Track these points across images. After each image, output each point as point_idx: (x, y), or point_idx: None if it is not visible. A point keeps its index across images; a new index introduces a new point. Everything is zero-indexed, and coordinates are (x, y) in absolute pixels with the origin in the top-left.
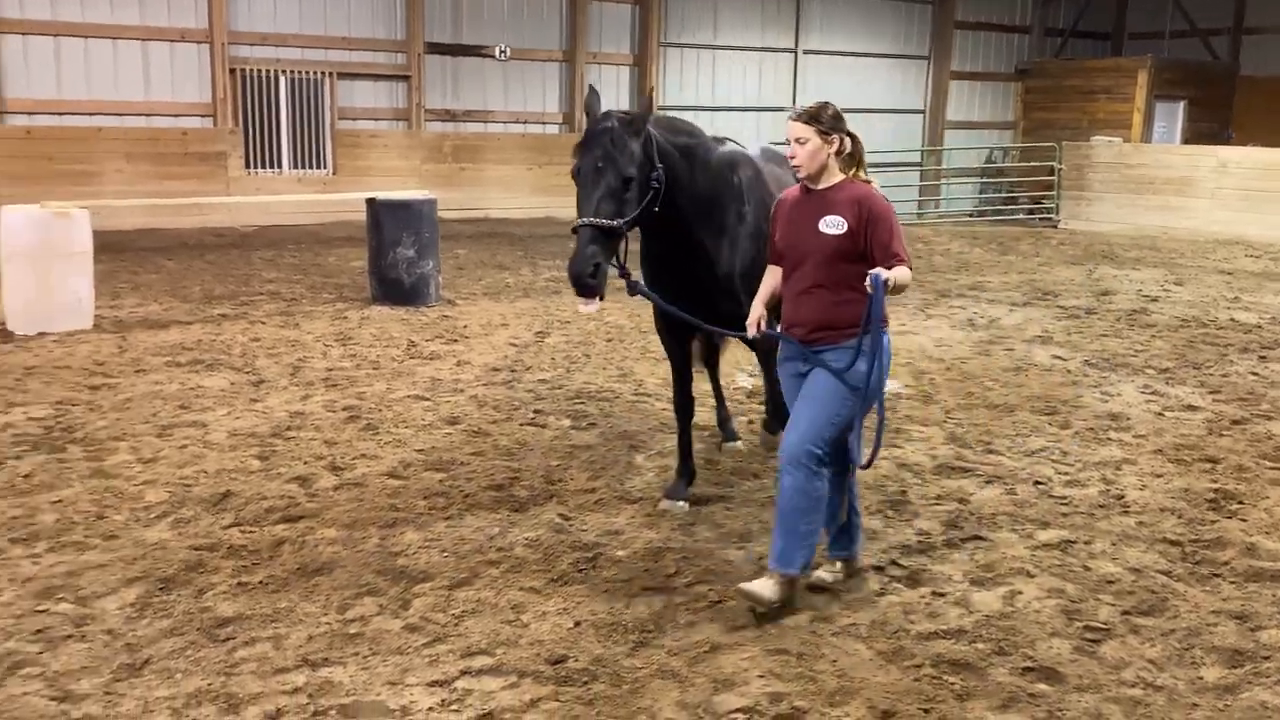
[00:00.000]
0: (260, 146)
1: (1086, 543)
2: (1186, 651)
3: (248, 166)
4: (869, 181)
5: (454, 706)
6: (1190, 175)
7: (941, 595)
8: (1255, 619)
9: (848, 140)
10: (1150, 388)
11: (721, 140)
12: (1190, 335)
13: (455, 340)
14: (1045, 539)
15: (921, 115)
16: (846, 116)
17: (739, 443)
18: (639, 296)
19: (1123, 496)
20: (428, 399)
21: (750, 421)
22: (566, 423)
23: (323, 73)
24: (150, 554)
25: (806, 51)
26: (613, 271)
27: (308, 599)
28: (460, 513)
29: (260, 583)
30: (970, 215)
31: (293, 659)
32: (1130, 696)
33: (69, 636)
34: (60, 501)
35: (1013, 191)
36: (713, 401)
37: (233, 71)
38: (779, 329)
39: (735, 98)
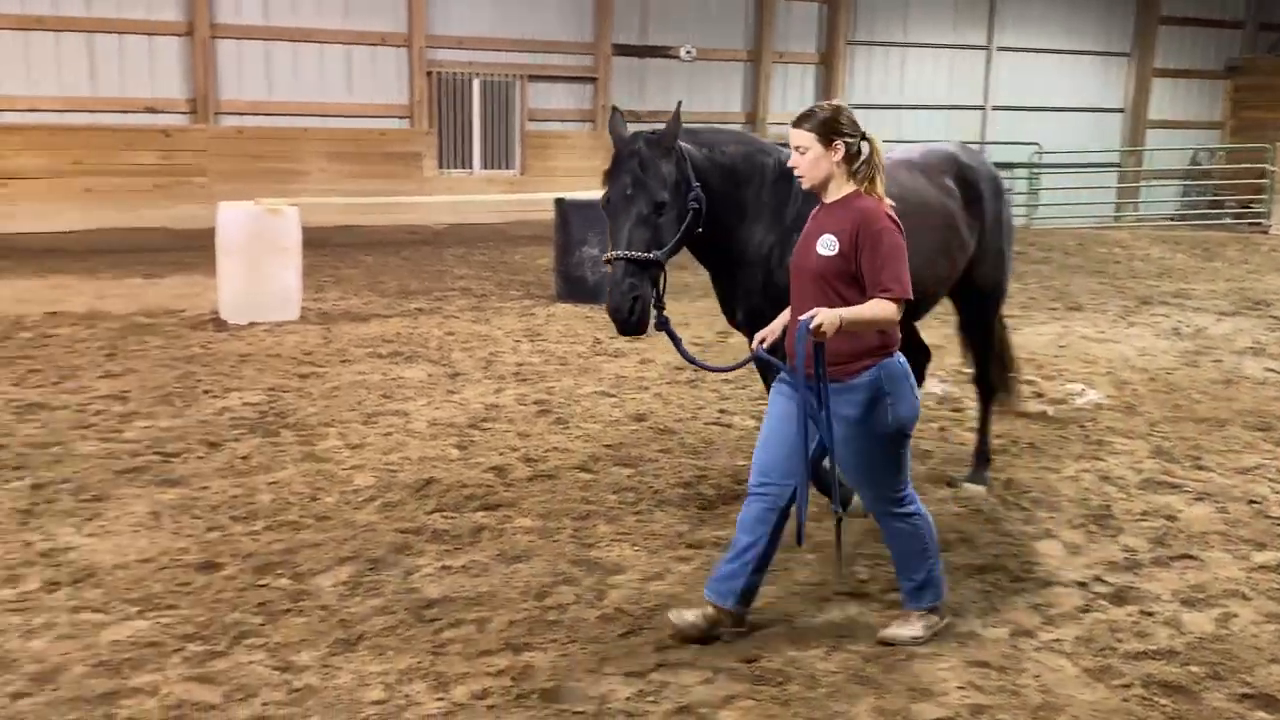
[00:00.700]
0: (452, 147)
1: None
2: None
3: (440, 167)
4: (881, 198)
5: (651, 698)
6: None
7: (1150, 615)
8: None
9: (859, 147)
10: None
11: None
12: None
13: (638, 338)
14: (1262, 560)
15: (1121, 114)
16: (1035, 115)
17: (980, 487)
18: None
19: None
20: (613, 395)
21: (941, 429)
22: (752, 424)
23: (514, 75)
24: (360, 535)
25: (1000, 49)
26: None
27: (508, 584)
28: (650, 508)
29: (463, 566)
30: (1171, 219)
31: (496, 642)
32: None
33: (287, 610)
34: (276, 483)
35: (1218, 195)
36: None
37: (429, 74)
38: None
39: (924, 96)
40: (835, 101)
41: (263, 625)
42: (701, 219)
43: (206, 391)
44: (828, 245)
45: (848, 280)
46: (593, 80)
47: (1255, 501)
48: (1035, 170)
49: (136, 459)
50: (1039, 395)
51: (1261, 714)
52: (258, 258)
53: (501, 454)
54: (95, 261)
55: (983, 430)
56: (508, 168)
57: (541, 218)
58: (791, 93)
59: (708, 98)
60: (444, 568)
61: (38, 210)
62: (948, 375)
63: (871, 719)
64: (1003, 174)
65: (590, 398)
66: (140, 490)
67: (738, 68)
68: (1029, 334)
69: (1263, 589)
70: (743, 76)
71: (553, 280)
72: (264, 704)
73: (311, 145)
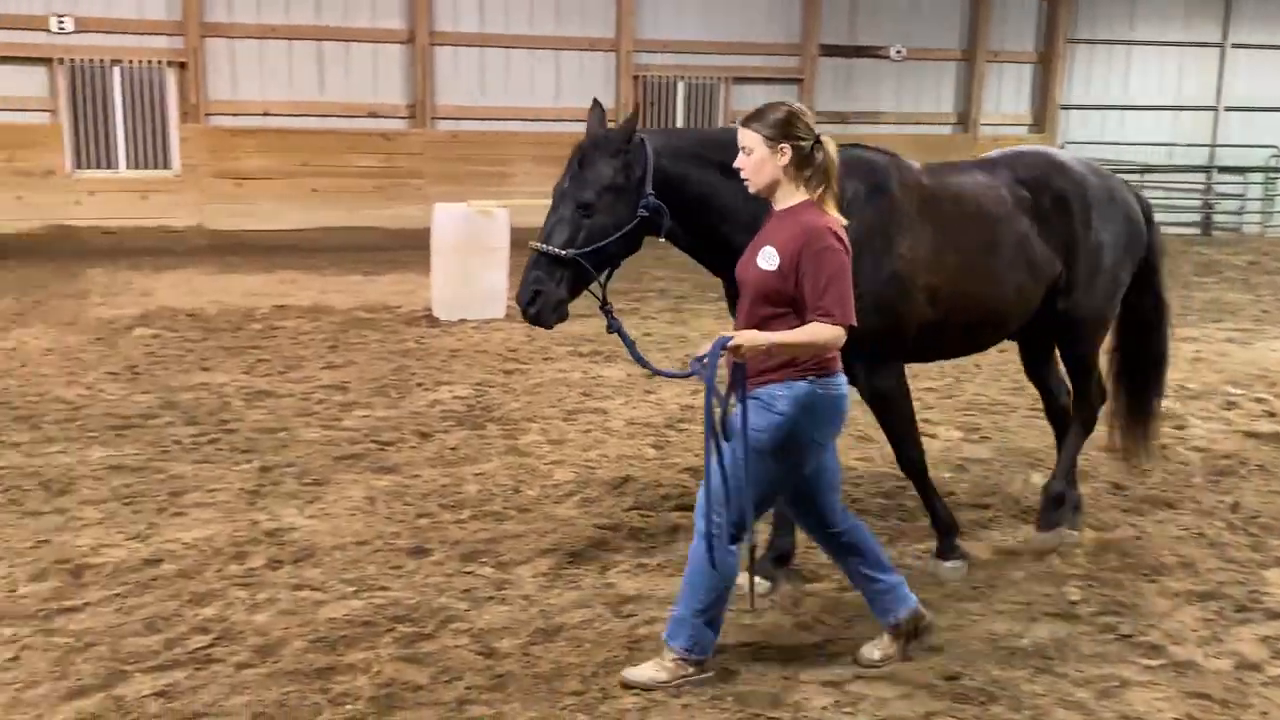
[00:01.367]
0: None
1: None
2: None
3: None
4: (830, 212)
5: (847, 709)
6: None
7: None
8: None
9: (810, 152)
10: None
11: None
12: None
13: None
14: None
15: None
16: (1273, 116)
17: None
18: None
19: None
20: None
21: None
22: (957, 434)
23: (718, 78)
24: (560, 529)
25: (1235, 45)
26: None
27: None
28: None
29: (659, 565)
30: None
31: None
32: None
33: (490, 598)
34: (481, 474)
35: None
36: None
37: (635, 78)
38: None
39: (1150, 96)
40: (790, 101)
41: (468, 611)
42: (660, 227)
43: (419, 384)
44: (768, 258)
45: (785, 300)
46: (798, 81)
47: None
48: (1272, 175)
49: (354, 446)
50: (1271, 415)
51: None
52: (468, 257)
53: (697, 455)
54: (319, 259)
55: (1063, 470)
56: None
57: None
58: (1007, 93)
59: (916, 98)
60: (640, 565)
61: (269, 209)
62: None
63: None
64: (1233, 179)
65: None
66: (357, 476)
67: (949, 67)
68: (1261, 349)
69: None
70: (955, 76)
71: None
72: (467, 688)
73: (518, 149)
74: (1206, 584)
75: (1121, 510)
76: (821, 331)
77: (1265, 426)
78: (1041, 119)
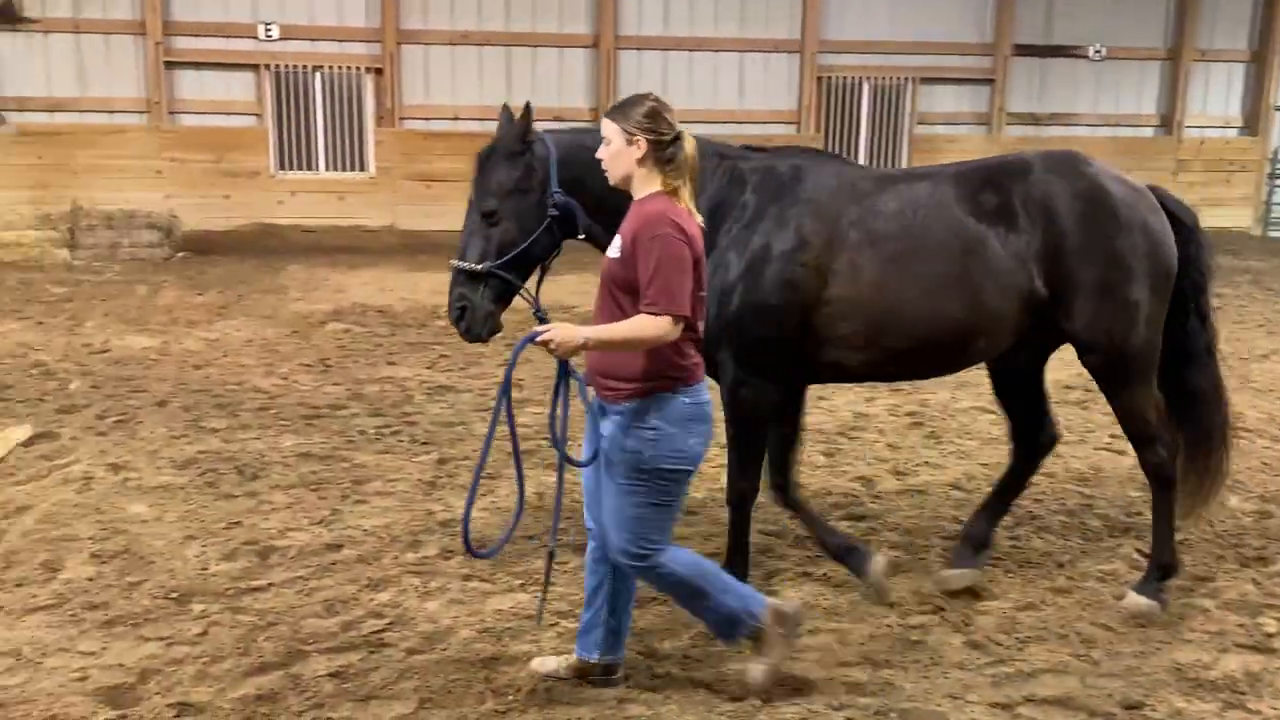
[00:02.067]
0: (837, 150)
1: None
2: None
3: None
4: (683, 205)
5: None
6: None
7: None
8: None
9: (669, 147)
10: None
11: (752, 150)
12: None
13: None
14: None
15: None
16: None
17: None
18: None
19: None
20: (992, 412)
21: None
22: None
23: (905, 78)
24: (724, 533)
25: None
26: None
27: (867, 598)
28: (1027, 534)
29: (823, 575)
30: None
31: (854, 654)
32: None
33: (653, 599)
34: None
35: None
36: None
37: (819, 80)
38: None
39: None
40: (652, 95)
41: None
42: (575, 225)
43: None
44: (615, 247)
45: (632, 288)
46: (989, 82)
47: None
48: None
49: (526, 443)
50: None
51: None
52: None
53: (869, 464)
54: None
55: (1158, 532)
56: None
57: None
58: (1214, 94)
59: (1116, 99)
60: (804, 574)
61: (456, 210)
62: None
63: None
64: None
65: (967, 413)
66: (529, 472)
67: (1152, 67)
68: None
69: None
70: (1158, 76)
71: None
72: (627, 686)
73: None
74: None
75: None
76: (646, 324)
77: None
78: (1254, 121)
